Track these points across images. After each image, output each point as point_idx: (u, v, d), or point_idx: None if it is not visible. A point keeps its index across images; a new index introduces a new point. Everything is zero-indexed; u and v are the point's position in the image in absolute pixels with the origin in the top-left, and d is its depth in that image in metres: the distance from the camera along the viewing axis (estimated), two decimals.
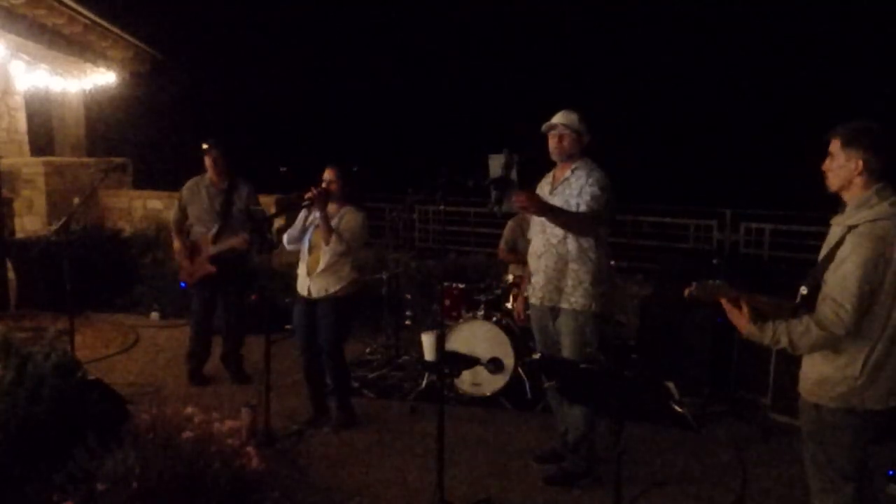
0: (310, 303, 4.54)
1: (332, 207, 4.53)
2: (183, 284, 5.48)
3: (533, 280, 3.95)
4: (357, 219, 4.49)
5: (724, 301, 2.71)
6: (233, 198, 5.27)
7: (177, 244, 5.33)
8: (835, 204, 2.76)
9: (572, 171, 3.82)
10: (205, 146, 5.27)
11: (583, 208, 3.70)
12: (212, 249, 5.20)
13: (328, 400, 4.70)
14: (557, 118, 3.84)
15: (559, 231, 3.77)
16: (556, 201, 3.79)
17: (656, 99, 22.59)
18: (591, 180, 3.74)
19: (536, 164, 3.96)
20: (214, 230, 5.22)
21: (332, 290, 4.48)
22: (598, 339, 3.88)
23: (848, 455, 2.58)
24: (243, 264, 5.43)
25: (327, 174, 4.49)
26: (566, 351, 3.81)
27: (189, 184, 5.37)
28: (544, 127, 3.87)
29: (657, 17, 23.50)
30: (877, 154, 2.54)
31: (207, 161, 5.27)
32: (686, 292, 2.69)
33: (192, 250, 5.30)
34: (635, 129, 20.06)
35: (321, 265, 4.46)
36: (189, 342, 5.48)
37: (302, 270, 4.59)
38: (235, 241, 5.11)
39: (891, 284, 2.48)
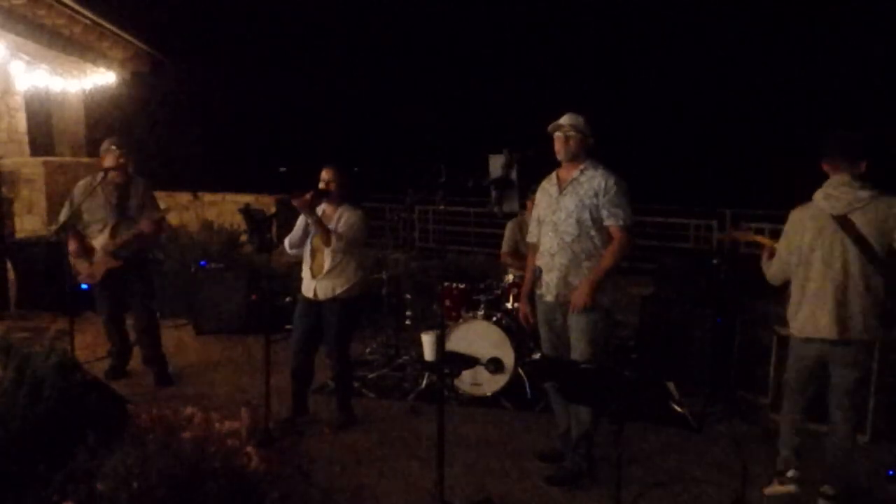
0: (315, 304, 4.53)
1: (329, 208, 4.53)
2: (86, 286, 5.35)
3: (546, 278, 3.96)
4: (356, 216, 4.49)
5: (760, 239, 4.02)
6: (129, 193, 5.28)
7: (73, 245, 5.20)
8: None
9: (581, 172, 3.88)
10: (105, 145, 5.27)
11: (610, 222, 3.80)
12: (113, 244, 5.18)
13: (311, 401, 4.74)
14: (564, 119, 3.89)
15: (572, 229, 3.84)
16: (569, 200, 3.86)
17: (656, 99, 22.59)
18: (610, 183, 3.80)
19: (536, 165, 3.98)
20: (111, 225, 5.20)
21: (339, 290, 4.47)
22: (607, 330, 3.92)
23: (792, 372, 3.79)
24: (142, 257, 5.40)
25: (325, 174, 4.49)
26: (580, 347, 3.83)
27: (81, 184, 5.33)
28: (551, 127, 3.92)
29: (658, 17, 23.51)
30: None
31: (108, 159, 5.22)
32: (725, 236, 3.63)
33: (88, 250, 5.23)
34: (635, 129, 20.06)
35: (326, 267, 4.45)
36: (108, 340, 5.53)
37: (306, 273, 4.58)
38: (140, 227, 5.13)
39: (800, 247, 3.59)
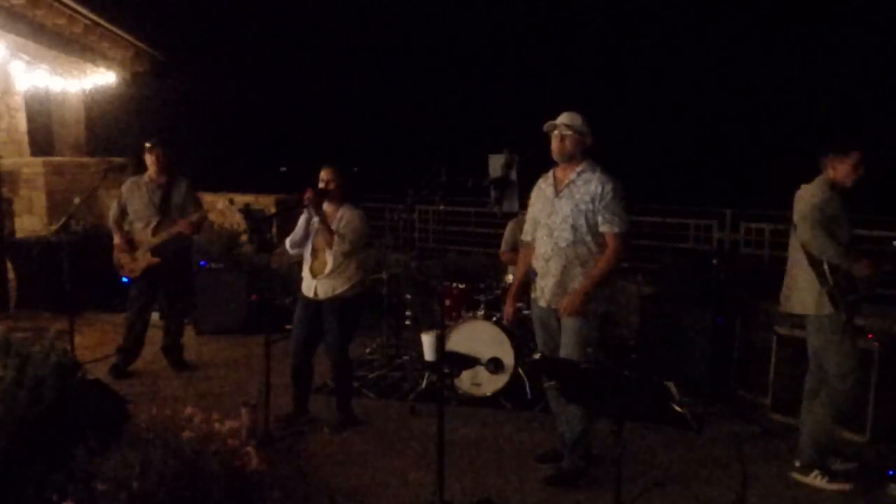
0: (315, 304, 4.53)
1: (329, 208, 4.52)
2: (126, 280, 5.58)
3: (540, 282, 3.94)
4: (357, 217, 4.49)
5: None
6: (171, 192, 5.49)
7: (117, 240, 5.47)
8: None
9: (578, 174, 3.82)
10: (147, 145, 5.47)
11: (605, 228, 3.75)
12: (154, 240, 5.40)
13: (311, 401, 4.75)
14: (560, 119, 3.83)
15: (568, 234, 3.80)
16: (565, 204, 3.81)
17: (657, 99, 22.59)
18: (607, 188, 3.74)
19: (536, 164, 3.96)
20: (154, 223, 5.40)
21: (339, 290, 4.47)
22: (598, 336, 3.89)
23: None
24: (186, 256, 5.73)
25: (324, 174, 4.48)
26: (565, 350, 3.81)
27: (128, 183, 5.58)
28: (546, 126, 3.86)
29: (658, 17, 23.50)
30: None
31: (149, 159, 5.47)
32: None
33: (131, 246, 5.46)
34: (635, 128, 20.05)
35: (328, 268, 4.45)
36: (124, 337, 5.61)
37: (306, 273, 4.58)
38: (178, 227, 5.37)
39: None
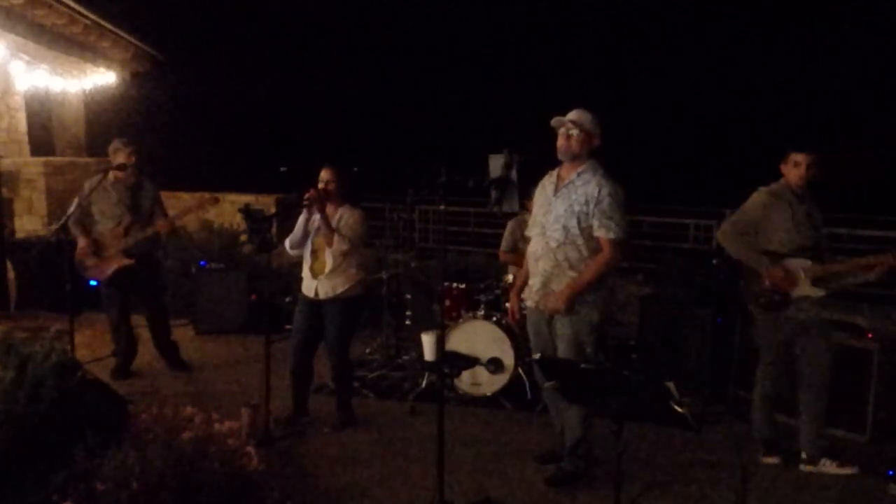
0: (315, 304, 4.54)
1: (329, 208, 4.53)
2: (94, 282, 5.48)
3: (530, 282, 3.91)
4: (356, 216, 4.49)
5: None
6: (140, 193, 5.44)
7: (82, 242, 5.35)
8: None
9: (578, 174, 3.73)
10: (119, 147, 5.37)
11: (600, 233, 3.65)
12: (125, 242, 5.32)
13: (311, 401, 4.75)
14: (570, 115, 3.73)
15: (559, 235, 3.72)
16: (560, 203, 3.75)
17: (657, 98, 22.59)
18: (604, 192, 3.65)
19: (537, 164, 3.95)
20: (125, 223, 5.33)
21: (340, 290, 4.47)
22: (595, 344, 3.79)
23: None
24: (153, 256, 5.65)
25: (324, 174, 4.49)
26: (561, 355, 3.77)
27: (91, 183, 5.42)
28: (554, 121, 3.76)
29: (658, 17, 23.50)
30: None
31: (119, 157, 5.35)
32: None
33: (97, 248, 5.36)
34: (635, 128, 20.04)
35: (328, 267, 4.45)
36: (114, 340, 5.60)
37: (306, 273, 4.58)
38: (156, 226, 5.32)
39: None
